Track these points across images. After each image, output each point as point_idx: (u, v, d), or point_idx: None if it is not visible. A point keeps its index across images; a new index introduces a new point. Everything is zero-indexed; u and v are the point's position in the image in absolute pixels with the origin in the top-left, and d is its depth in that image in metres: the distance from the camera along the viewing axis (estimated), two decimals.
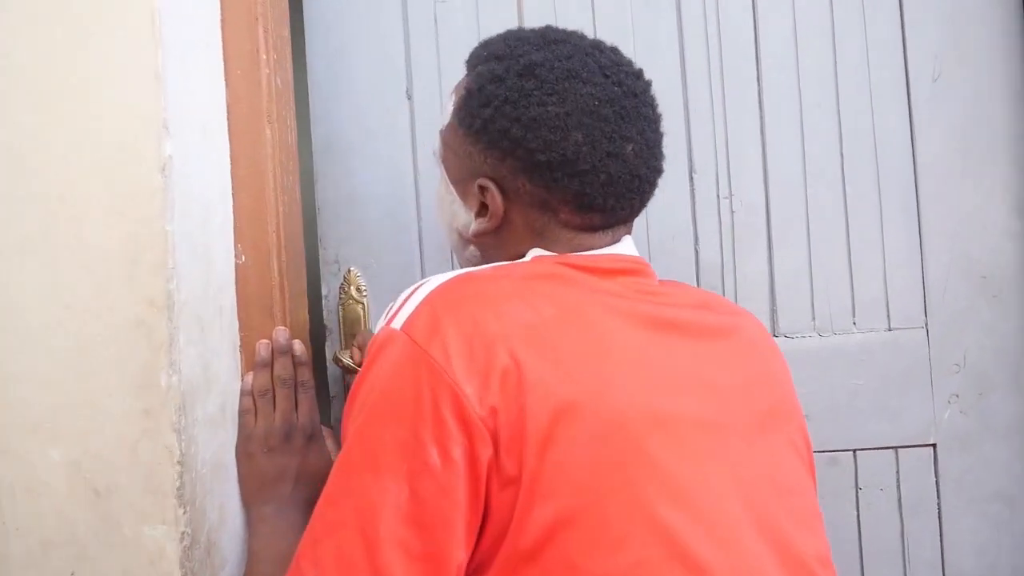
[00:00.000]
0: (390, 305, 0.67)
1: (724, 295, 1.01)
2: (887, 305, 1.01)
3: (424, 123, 1.03)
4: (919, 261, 1.00)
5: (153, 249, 0.71)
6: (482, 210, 0.73)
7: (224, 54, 0.84)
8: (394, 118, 1.03)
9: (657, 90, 1.05)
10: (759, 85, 1.02)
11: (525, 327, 0.62)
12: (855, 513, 1.00)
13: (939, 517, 0.99)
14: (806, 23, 1.01)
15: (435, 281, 0.67)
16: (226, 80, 0.84)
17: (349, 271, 1.03)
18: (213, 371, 0.78)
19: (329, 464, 0.82)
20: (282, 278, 0.85)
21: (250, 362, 0.84)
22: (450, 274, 0.68)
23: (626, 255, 0.73)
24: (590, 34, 0.77)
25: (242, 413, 0.82)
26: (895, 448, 1.00)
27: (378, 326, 0.67)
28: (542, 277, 0.68)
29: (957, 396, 1.00)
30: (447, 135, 0.76)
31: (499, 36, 0.75)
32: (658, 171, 0.74)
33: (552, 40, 0.72)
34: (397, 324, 0.63)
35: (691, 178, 1.02)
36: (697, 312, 0.74)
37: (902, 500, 0.99)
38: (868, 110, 1.01)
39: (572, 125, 0.68)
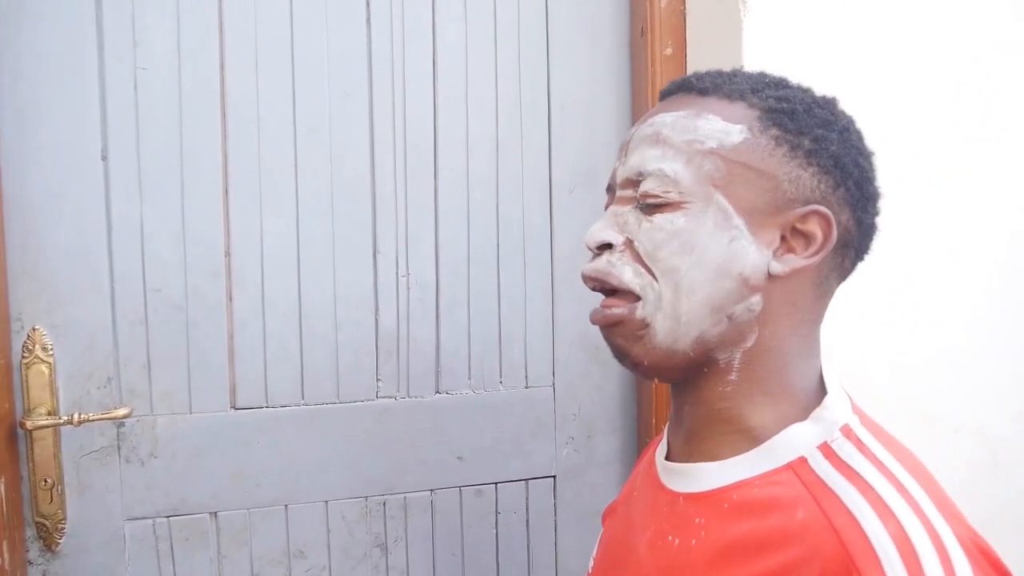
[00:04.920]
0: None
1: (399, 358, 1.19)
2: (526, 368, 1.26)
3: (120, 183, 1.08)
4: (551, 334, 1.27)
5: None
6: (791, 246, 0.57)
7: None
8: (87, 179, 1.07)
9: (350, 178, 1.20)
10: (435, 182, 1.20)
11: None
12: (495, 532, 1.25)
13: (555, 531, 1.28)
14: (476, 134, 1.22)
15: (954, 544, 0.49)
16: None
17: (34, 329, 1.06)
18: None
19: None
20: None
21: None
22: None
23: None
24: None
25: None
26: (526, 480, 1.27)
27: None
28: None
29: (572, 438, 1.29)
30: (734, 155, 0.57)
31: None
32: None
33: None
34: None
35: (375, 258, 1.18)
36: None
37: (530, 520, 1.27)
38: (520, 209, 1.25)
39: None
